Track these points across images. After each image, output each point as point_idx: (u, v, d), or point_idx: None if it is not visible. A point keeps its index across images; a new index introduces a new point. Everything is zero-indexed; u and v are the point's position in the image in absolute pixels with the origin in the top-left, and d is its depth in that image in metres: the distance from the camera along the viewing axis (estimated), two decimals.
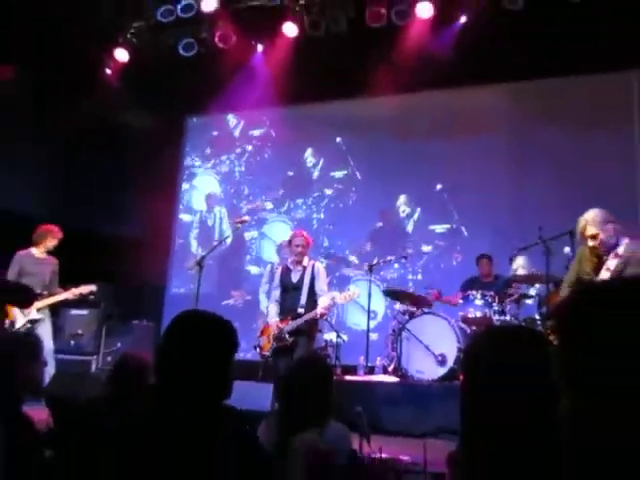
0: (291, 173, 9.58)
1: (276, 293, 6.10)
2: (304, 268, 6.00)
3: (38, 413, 3.51)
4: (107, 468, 1.93)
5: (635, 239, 4.57)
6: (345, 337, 7.36)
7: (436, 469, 3.19)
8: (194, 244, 9.92)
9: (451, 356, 6.23)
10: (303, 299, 5.86)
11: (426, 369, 6.28)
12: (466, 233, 8.40)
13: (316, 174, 9.43)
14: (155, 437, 1.85)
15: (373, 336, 7.36)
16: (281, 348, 5.80)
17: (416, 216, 8.72)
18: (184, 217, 10.20)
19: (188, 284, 9.28)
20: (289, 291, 6.00)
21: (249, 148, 9.87)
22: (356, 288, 6.43)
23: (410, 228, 8.74)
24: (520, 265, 7.05)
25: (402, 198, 8.82)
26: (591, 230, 4.48)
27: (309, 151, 9.50)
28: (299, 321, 5.77)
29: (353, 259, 8.91)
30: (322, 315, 5.87)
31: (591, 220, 4.48)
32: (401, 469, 2.91)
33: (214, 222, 9.87)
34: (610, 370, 0.84)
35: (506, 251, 6.85)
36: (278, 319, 5.92)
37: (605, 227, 4.45)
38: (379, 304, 8.06)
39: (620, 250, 4.46)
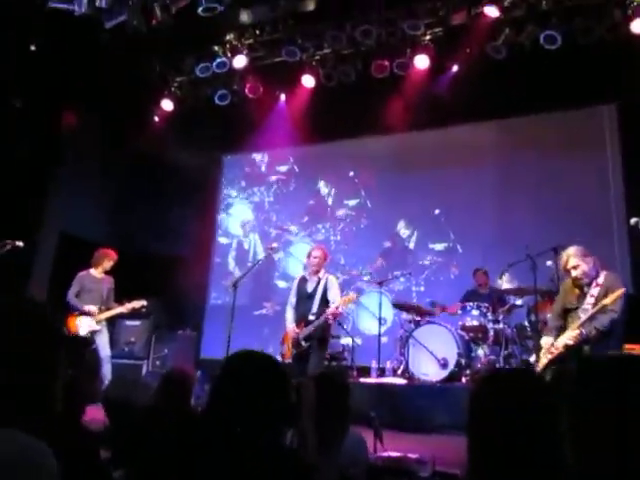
0: (312, 202, 9.54)
1: (293, 300, 5.91)
2: (319, 279, 5.80)
3: (97, 412, 3.47)
4: (153, 469, 1.87)
5: (611, 272, 4.53)
6: (359, 341, 7.26)
7: (442, 467, 3.10)
8: (232, 263, 9.87)
9: (452, 360, 6.09)
10: (315, 307, 5.66)
11: (430, 372, 6.15)
12: (461, 250, 8.26)
13: (332, 203, 9.40)
14: (201, 451, 1.78)
15: (383, 339, 7.28)
16: (299, 354, 5.64)
17: (415, 237, 8.64)
18: (222, 240, 10.16)
19: (224, 296, 9.26)
20: (303, 299, 5.80)
21: (276, 181, 9.87)
22: (353, 293, 6.15)
23: (412, 246, 8.65)
24: (505, 280, 7.01)
25: (401, 222, 8.77)
26: (573, 262, 4.39)
27: (326, 183, 9.49)
28: (310, 327, 5.59)
29: (366, 274, 8.78)
30: (327, 320, 5.59)
31: (572, 254, 4.41)
32: (412, 469, 2.81)
33: (249, 246, 9.86)
34: None
35: (495, 265, 6.80)
36: (294, 325, 5.75)
37: (586, 259, 4.38)
38: (388, 312, 7.90)
39: (600, 280, 4.36)
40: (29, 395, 1.13)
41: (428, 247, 8.53)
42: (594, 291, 4.34)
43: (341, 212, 9.29)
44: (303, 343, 5.62)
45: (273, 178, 9.90)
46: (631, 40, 6.51)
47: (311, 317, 5.64)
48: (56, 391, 1.17)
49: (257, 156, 10.10)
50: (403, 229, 8.77)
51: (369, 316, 8.18)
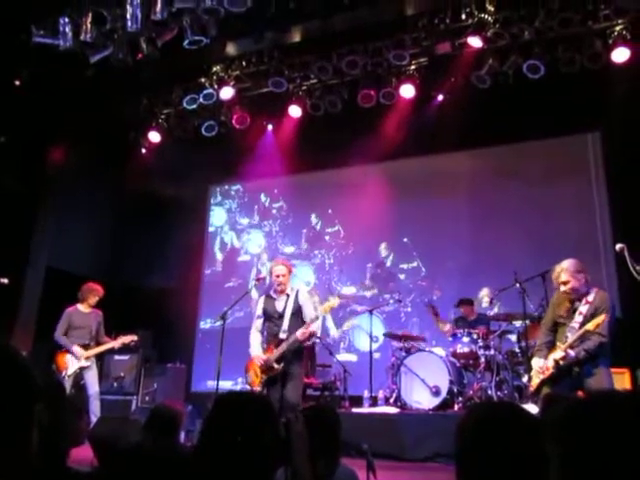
0: (306, 230, 9.91)
1: (259, 323, 5.36)
2: (287, 295, 5.28)
3: (85, 452, 3.42)
4: None
5: (602, 289, 4.50)
6: (355, 357, 7.72)
7: None
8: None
9: (444, 387, 6.07)
10: (286, 325, 5.14)
11: (423, 400, 6.12)
12: (424, 269, 8.65)
13: (322, 230, 9.74)
14: None
15: (376, 355, 7.65)
16: (271, 378, 5.09)
17: (391, 257, 9.06)
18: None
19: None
20: (274, 320, 5.25)
21: (277, 215, 10.25)
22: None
23: (389, 264, 9.05)
24: (485, 294, 7.13)
25: (383, 244, 9.14)
26: (563, 277, 4.35)
27: (317, 214, 9.81)
28: (283, 346, 5.06)
29: (355, 292, 9.20)
30: (302, 338, 5.05)
31: (565, 268, 4.35)
32: None
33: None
34: None
35: (471, 288, 7.45)
36: (261, 351, 5.22)
37: (577, 276, 4.33)
38: (380, 330, 8.12)
39: (590, 297, 4.35)
40: (3, 446, 1.11)
41: (399, 267, 8.88)
42: (583, 308, 4.32)
43: (327, 237, 9.66)
44: (275, 365, 5.08)
45: (275, 213, 10.30)
46: (612, 69, 6.70)
47: (282, 335, 5.15)
48: (32, 440, 1.15)
49: (261, 197, 10.43)
50: (380, 251, 9.18)
51: (363, 333, 8.52)
